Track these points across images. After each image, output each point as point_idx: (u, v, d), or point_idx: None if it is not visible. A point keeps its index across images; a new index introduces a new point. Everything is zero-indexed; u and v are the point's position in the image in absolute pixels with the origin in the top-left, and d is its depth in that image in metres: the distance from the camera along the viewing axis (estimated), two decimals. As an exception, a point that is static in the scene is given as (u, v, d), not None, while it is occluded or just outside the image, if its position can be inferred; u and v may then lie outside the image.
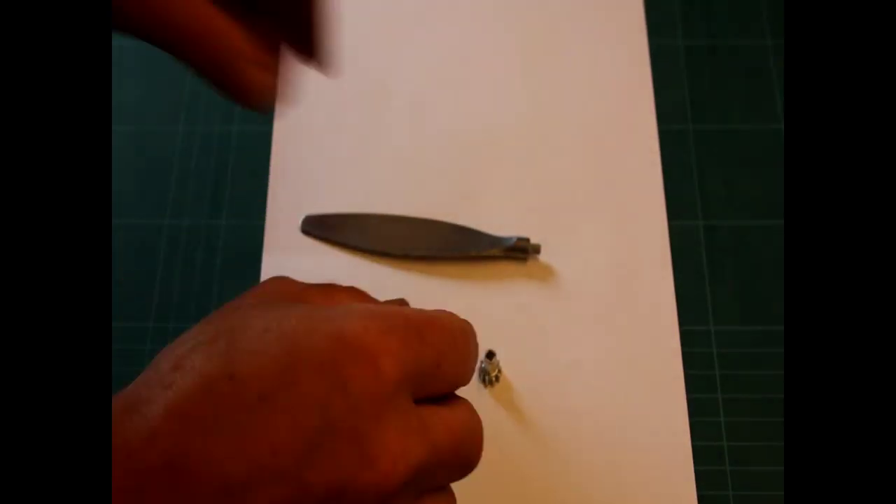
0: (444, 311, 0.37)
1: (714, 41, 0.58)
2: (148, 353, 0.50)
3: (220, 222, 0.54)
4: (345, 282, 0.41)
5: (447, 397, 0.36)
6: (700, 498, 0.47)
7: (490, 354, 0.48)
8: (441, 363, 0.35)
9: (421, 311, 0.36)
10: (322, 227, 0.53)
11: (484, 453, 0.48)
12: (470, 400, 0.48)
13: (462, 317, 0.37)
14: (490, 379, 0.49)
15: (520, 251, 0.51)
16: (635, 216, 0.53)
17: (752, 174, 0.55)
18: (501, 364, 0.49)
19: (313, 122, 0.56)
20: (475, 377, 0.49)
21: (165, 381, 0.32)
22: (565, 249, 0.52)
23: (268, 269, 0.52)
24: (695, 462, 0.47)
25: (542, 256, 0.52)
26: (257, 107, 0.41)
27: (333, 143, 0.56)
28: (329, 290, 0.39)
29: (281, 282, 0.39)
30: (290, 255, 0.53)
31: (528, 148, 0.55)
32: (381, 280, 0.52)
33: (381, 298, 0.40)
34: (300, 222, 0.53)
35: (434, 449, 0.34)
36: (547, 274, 0.52)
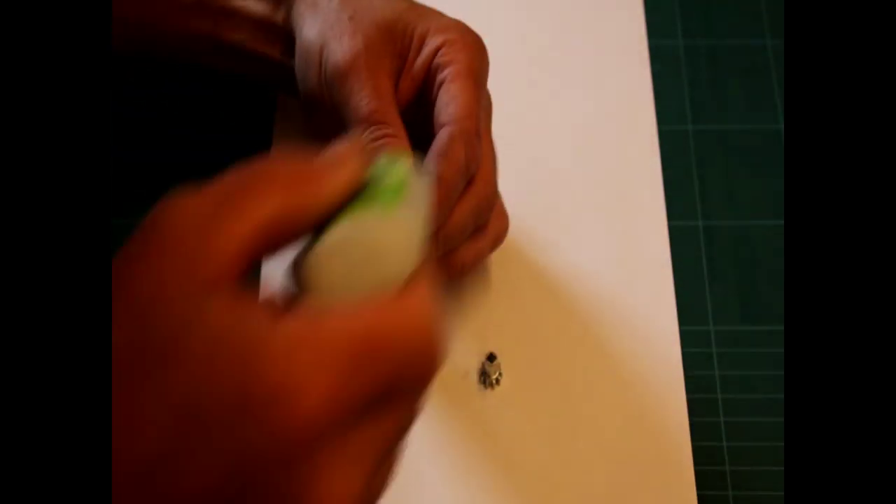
0: (410, 311, 0.29)
1: (714, 41, 0.58)
2: (148, 353, 0.50)
3: (220, 223, 0.53)
4: None
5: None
6: (700, 498, 0.47)
7: (491, 357, 0.48)
8: (392, 394, 0.28)
9: (376, 319, 0.28)
10: None
11: (486, 454, 0.48)
12: (470, 403, 0.49)
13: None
14: (491, 381, 0.49)
15: None
16: (635, 216, 0.53)
17: (752, 174, 0.55)
18: (502, 366, 0.49)
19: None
20: (476, 379, 0.49)
21: None
22: (566, 249, 0.52)
23: (268, 269, 0.52)
24: (695, 462, 0.47)
25: (543, 256, 0.52)
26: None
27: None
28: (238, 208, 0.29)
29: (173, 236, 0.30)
30: (289, 255, 0.52)
31: (528, 148, 0.55)
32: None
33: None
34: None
35: (372, 468, 0.29)
36: (547, 274, 0.52)
